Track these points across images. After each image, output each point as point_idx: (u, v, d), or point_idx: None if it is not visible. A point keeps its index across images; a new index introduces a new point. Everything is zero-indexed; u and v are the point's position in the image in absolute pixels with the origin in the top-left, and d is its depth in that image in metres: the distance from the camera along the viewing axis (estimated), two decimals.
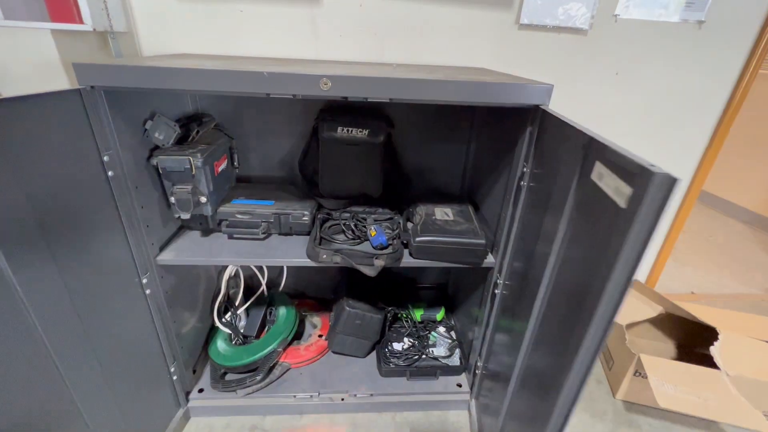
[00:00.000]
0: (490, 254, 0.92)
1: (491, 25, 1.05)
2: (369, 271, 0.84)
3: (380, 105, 1.07)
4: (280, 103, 1.06)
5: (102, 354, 0.71)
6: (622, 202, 0.46)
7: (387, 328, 1.21)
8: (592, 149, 0.53)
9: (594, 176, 0.53)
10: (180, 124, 0.87)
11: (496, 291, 0.89)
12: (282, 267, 1.29)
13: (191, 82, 0.64)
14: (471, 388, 1.09)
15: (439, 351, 1.17)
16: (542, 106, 0.69)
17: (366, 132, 0.97)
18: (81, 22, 0.83)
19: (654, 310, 1.29)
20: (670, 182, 0.39)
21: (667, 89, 1.16)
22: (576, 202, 0.59)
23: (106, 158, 0.68)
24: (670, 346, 1.35)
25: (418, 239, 0.87)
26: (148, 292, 0.83)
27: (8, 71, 1.00)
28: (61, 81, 1.00)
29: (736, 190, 2.55)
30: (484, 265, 0.91)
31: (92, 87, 0.63)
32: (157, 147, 0.83)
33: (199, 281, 1.12)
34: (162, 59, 0.88)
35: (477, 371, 1.03)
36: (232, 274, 1.21)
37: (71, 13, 0.83)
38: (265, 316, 1.19)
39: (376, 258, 0.85)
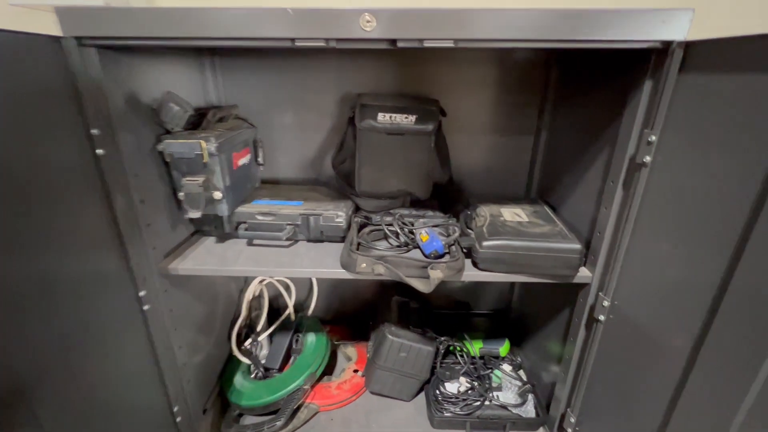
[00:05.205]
0: (583, 267, 0.68)
1: None
2: (422, 286, 0.63)
3: (428, 96, 0.89)
4: (312, 91, 0.92)
5: (81, 388, 0.54)
6: None
7: (439, 364, 0.98)
8: None
9: None
10: (198, 113, 0.74)
11: (600, 317, 0.64)
12: (311, 286, 1.11)
13: (199, 28, 0.50)
14: None
15: (507, 397, 0.91)
16: (678, 41, 0.48)
17: (413, 118, 0.79)
18: None
19: None
20: None
21: None
22: None
23: (95, 131, 0.54)
24: None
25: (486, 244, 0.66)
26: (146, 308, 0.67)
27: None
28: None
29: None
30: (576, 281, 0.67)
31: (78, 38, 0.50)
32: (168, 132, 0.70)
33: (216, 300, 0.95)
34: None
35: (568, 429, 0.76)
36: (256, 294, 1.04)
37: None
38: (290, 344, 0.99)
39: (431, 268, 0.64)
